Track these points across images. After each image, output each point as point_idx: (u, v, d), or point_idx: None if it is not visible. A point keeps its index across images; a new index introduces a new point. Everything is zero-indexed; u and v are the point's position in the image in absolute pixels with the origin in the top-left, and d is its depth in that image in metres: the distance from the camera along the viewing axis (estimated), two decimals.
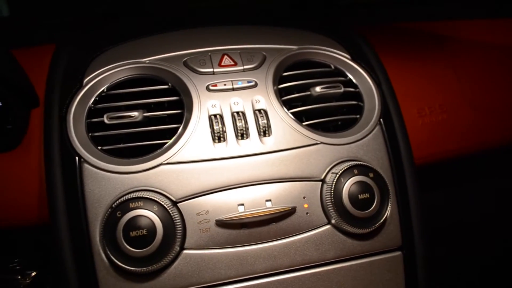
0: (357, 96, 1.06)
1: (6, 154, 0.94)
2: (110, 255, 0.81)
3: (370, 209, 0.91)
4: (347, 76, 1.08)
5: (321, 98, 1.02)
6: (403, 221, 0.98)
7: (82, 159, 0.88)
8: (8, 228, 0.94)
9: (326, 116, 1.01)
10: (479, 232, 1.61)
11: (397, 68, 1.16)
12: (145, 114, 0.93)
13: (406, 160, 1.02)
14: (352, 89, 1.06)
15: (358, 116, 1.03)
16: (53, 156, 0.90)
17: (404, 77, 1.16)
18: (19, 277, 0.94)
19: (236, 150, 0.92)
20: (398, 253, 0.97)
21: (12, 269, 0.97)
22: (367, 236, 0.94)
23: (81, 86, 0.95)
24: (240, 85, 0.98)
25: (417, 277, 0.98)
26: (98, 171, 0.87)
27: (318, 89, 1.01)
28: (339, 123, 1.04)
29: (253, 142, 0.93)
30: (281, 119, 0.96)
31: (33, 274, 0.94)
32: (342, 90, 1.03)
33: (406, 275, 0.97)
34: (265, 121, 0.94)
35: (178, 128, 0.93)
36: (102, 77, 0.97)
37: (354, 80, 1.08)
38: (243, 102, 0.96)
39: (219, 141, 0.92)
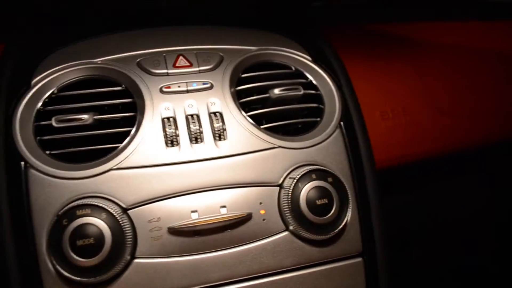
0: (318, 98, 1.03)
1: None
2: (57, 265, 0.77)
3: (329, 215, 0.88)
4: (307, 78, 1.05)
5: (280, 100, 0.99)
6: (363, 226, 0.95)
7: (28, 164, 0.84)
8: None
9: (286, 119, 0.98)
10: (445, 235, 1.60)
11: (360, 71, 1.14)
12: (96, 117, 0.89)
13: (366, 164, 0.99)
14: (312, 91, 1.03)
15: (318, 119, 1.00)
16: None
17: (367, 80, 1.14)
18: None
19: (190, 155, 0.88)
20: (359, 259, 0.95)
21: None
22: (326, 242, 0.91)
23: (28, 87, 0.91)
24: (194, 86, 0.95)
25: (378, 283, 0.96)
26: (45, 176, 0.83)
27: (276, 91, 0.98)
28: (300, 126, 1.01)
29: (208, 146, 0.90)
30: (237, 122, 0.93)
31: None
32: (301, 92, 1.00)
33: (367, 282, 0.95)
34: (220, 124, 0.91)
35: (130, 131, 0.89)
36: (52, 78, 0.93)
37: (314, 82, 1.05)
38: (197, 104, 0.93)
39: (172, 145, 0.88)
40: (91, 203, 0.80)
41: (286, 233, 0.89)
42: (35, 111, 0.90)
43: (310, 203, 0.87)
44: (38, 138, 0.87)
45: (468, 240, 1.69)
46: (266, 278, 0.88)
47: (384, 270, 0.97)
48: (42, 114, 0.90)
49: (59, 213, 0.79)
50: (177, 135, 0.89)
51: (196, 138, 0.89)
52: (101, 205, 0.79)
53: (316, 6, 1.32)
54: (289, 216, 0.87)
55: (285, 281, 0.89)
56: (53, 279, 0.79)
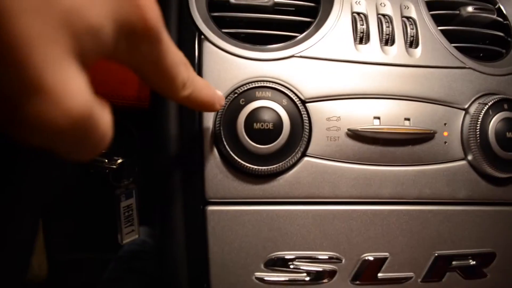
0: (506, 28, 0.92)
1: None
2: (226, 146, 0.70)
3: None
4: (496, 3, 0.94)
5: (469, 21, 0.88)
6: None
7: (203, 36, 0.76)
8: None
9: (470, 43, 0.87)
10: None
11: None
12: (277, 0, 0.81)
13: None
14: (501, 19, 0.92)
15: (504, 50, 0.90)
16: (171, 30, 0.79)
17: None
18: (106, 161, 0.86)
19: (380, 57, 0.79)
20: None
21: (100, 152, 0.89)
22: (503, 182, 0.82)
23: None
24: None
25: None
26: (222, 52, 0.76)
27: (470, 9, 0.88)
28: (481, 54, 0.90)
29: (399, 51, 0.80)
30: (431, 32, 0.83)
31: (120, 161, 0.86)
32: (495, 16, 0.89)
33: None
34: (414, 30, 0.82)
35: (313, 22, 0.81)
36: None
37: (504, 11, 0.93)
38: (391, 5, 0.83)
39: (361, 42, 0.80)
40: (272, 86, 0.72)
41: (464, 162, 0.80)
42: None
43: (499, 134, 0.78)
44: (211, 13, 0.79)
45: None
46: (437, 206, 0.80)
47: None
48: None
49: (236, 90, 0.71)
50: (368, 33, 0.80)
51: (388, 40, 0.80)
52: (282, 90, 0.72)
53: None
54: (473, 145, 0.78)
55: (455, 214, 0.81)
56: (215, 161, 0.73)
